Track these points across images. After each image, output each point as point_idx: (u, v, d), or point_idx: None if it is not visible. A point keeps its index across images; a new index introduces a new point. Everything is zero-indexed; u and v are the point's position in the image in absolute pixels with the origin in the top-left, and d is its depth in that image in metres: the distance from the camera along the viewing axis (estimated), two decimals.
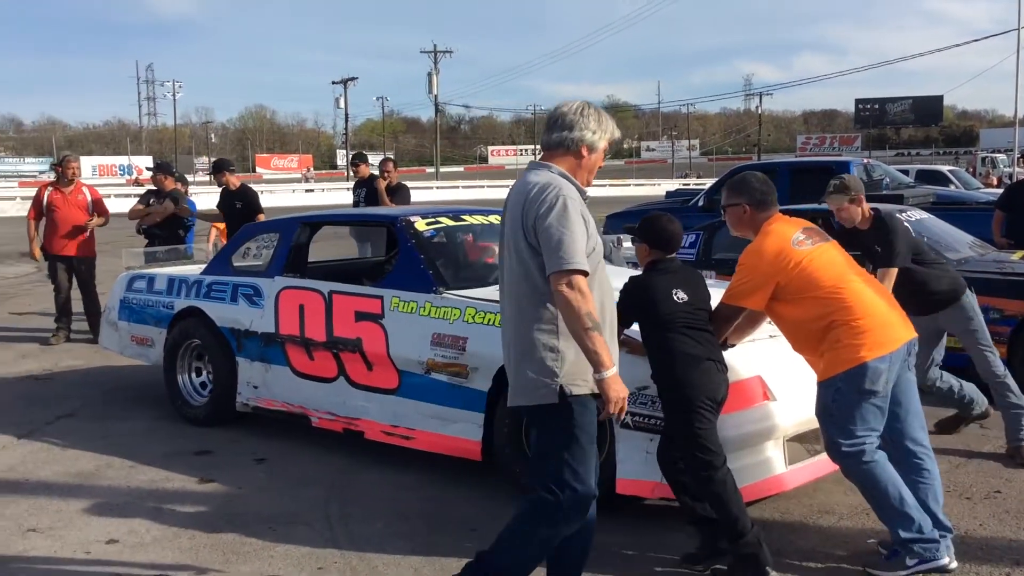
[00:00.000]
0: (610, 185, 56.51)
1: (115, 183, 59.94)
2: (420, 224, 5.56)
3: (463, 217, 6.01)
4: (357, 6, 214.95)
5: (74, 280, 9.19)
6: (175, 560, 4.01)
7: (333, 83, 64.80)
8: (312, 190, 44.22)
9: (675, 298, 3.69)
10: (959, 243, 7.22)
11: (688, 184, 44.19)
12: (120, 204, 23.58)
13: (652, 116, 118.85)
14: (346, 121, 66.67)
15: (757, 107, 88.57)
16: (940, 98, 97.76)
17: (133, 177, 61.97)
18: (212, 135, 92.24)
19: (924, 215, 7.56)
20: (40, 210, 9.20)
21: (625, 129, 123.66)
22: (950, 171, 21.55)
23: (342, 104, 64.39)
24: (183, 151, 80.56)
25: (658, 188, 46.84)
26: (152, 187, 9.63)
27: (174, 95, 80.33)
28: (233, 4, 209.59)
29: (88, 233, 9.13)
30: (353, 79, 63.60)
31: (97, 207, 9.32)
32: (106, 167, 76.42)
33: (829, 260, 3.78)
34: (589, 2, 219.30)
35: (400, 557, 4.03)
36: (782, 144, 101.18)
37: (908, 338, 3.73)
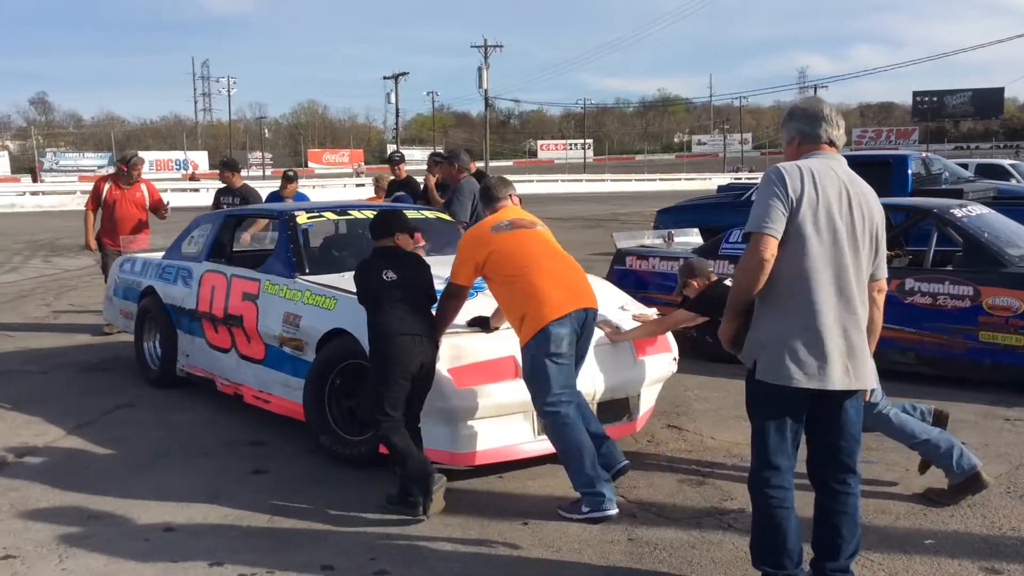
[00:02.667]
0: (660, 180, 56.20)
1: (171, 177, 61.15)
2: (301, 217, 6.27)
3: (349, 212, 6.72)
4: (409, 1, 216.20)
5: None
6: (231, 548, 4.08)
7: (384, 78, 65.28)
8: (363, 184, 44.54)
9: (384, 277, 4.32)
10: (1021, 239, 7.05)
11: (740, 178, 43.72)
12: (176, 199, 24.08)
13: (703, 109, 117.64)
14: (396, 116, 67.11)
15: None
16: (1001, 90, 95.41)
17: (189, 172, 63.10)
18: (266, 130, 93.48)
19: (985, 210, 7.39)
20: (98, 203, 9.40)
21: (676, 123, 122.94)
22: (1011, 165, 20.97)
23: (393, 99, 64.83)
24: (237, 146, 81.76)
25: (709, 182, 46.43)
26: (222, 184, 9.83)
27: (228, 91, 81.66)
28: (285, 2, 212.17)
29: (142, 231, 9.29)
30: (404, 74, 63.99)
31: (155, 205, 9.52)
32: (162, 162, 77.87)
33: (522, 243, 4.44)
34: None
35: (451, 549, 4.06)
36: None
37: (585, 306, 4.36)
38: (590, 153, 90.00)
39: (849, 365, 3.23)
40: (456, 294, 4.48)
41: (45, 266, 14.20)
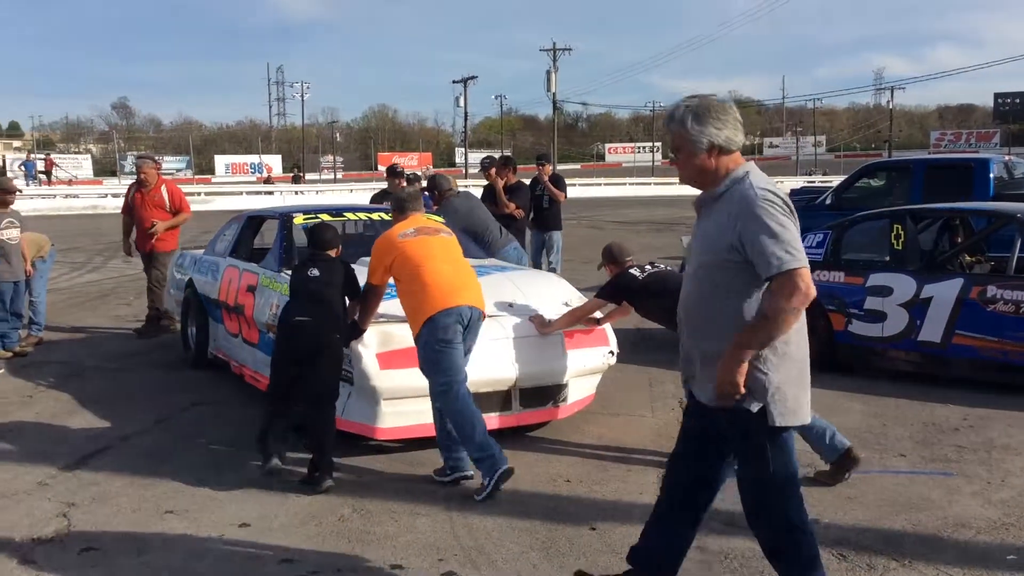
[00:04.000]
0: None
1: (247, 180, 62.43)
2: (298, 218, 7.01)
3: (344, 214, 7.58)
4: (478, 6, 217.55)
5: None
6: (302, 546, 4.14)
7: (453, 82, 65.78)
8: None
9: (308, 274, 5.06)
10: None
11: (814, 181, 42.87)
12: (251, 201, 24.50)
13: (776, 111, 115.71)
14: (465, 121, 67.62)
15: (888, 102, 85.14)
16: None
17: (264, 175, 64.32)
18: (337, 134, 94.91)
19: None
20: (127, 209, 9.70)
21: (747, 125, 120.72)
22: None
23: (462, 103, 65.23)
24: (309, 150, 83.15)
25: (781, 186, 45.39)
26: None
27: (302, 96, 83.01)
28: (358, 8, 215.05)
29: (154, 233, 9.32)
30: (473, 78, 64.38)
31: (174, 204, 9.56)
32: (238, 165, 79.42)
33: (422, 247, 4.96)
34: None
35: (518, 552, 4.06)
36: (915, 140, 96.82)
37: (470, 304, 4.86)
38: (659, 156, 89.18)
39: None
40: (373, 292, 5.12)
41: (125, 267, 14.58)
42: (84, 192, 41.05)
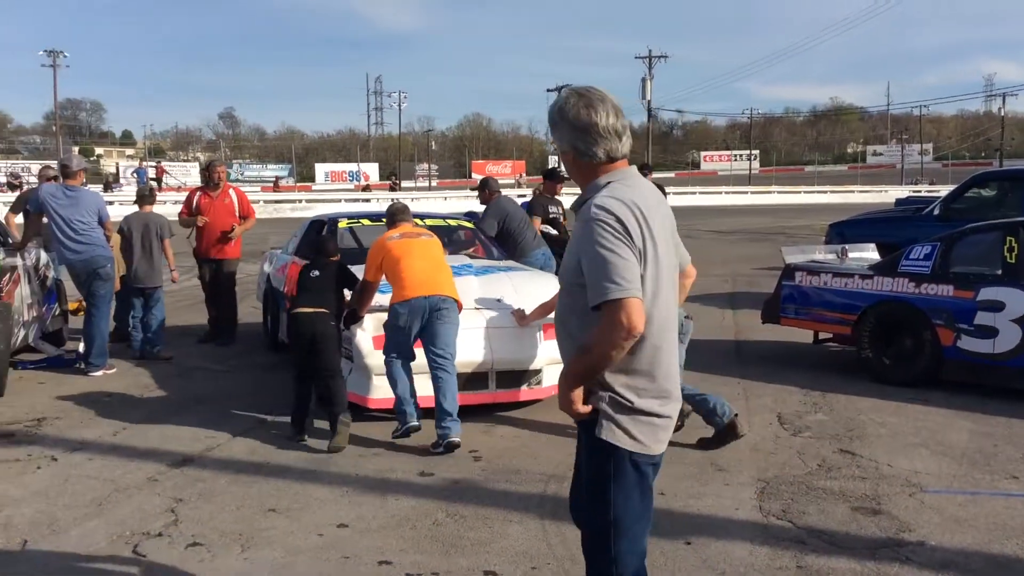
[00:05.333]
0: (831, 192, 54.02)
1: (345, 188, 63.79)
2: (342, 223, 8.59)
3: (382, 219, 7.87)
4: (573, 14, 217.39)
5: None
6: (398, 548, 4.21)
7: (548, 91, 65.89)
8: (524, 195, 45.19)
9: (310, 274, 6.20)
10: None
11: (920, 191, 41.50)
12: (351, 208, 24.97)
13: (879, 119, 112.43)
14: None
15: (999, 108, 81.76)
16: None
17: (362, 183, 65.66)
18: (432, 142, 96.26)
19: None
20: (191, 212, 9.56)
21: (849, 133, 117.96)
22: None
23: None
24: (405, 158, 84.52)
25: (886, 195, 44.23)
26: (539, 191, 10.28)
27: (399, 105, 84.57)
28: (454, 18, 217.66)
29: (231, 238, 9.42)
30: (566, 86, 64.22)
31: (243, 210, 9.63)
32: (337, 173, 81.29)
33: (404, 248, 5.98)
34: (812, 1, 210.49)
35: None
36: None
37: (428, 294, 5.80)
38: (756, 164, 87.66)
39: None
40: (368, 286, 6.14)
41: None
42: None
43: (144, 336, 8.76)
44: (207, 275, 9.61)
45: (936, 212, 11.04)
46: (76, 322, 9.76)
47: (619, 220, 2.49)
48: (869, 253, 9.05)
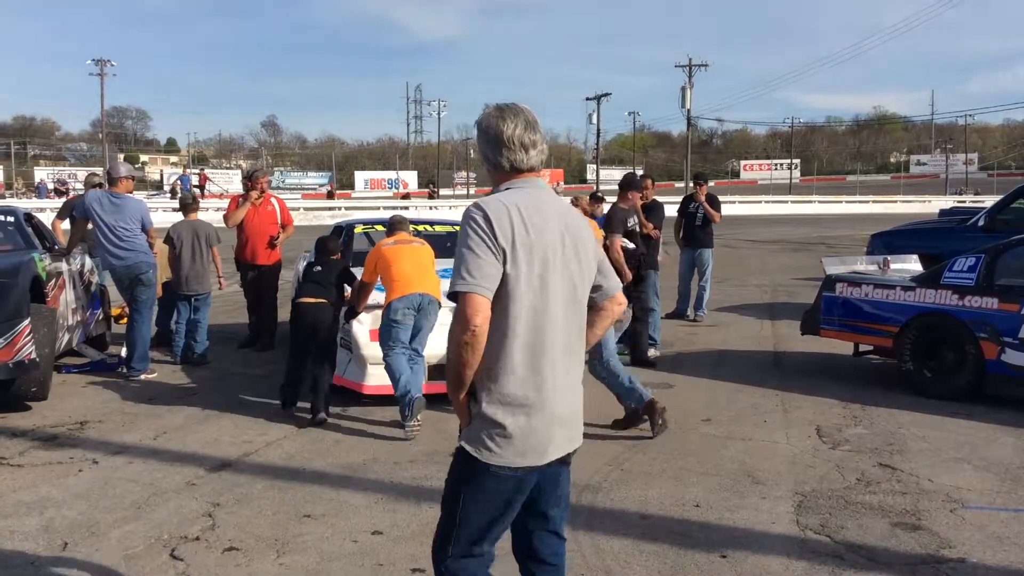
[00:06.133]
0: (873, 202, 53.40)
1: (384, 196, 64.28)
2: (359, 228, 9.54)
3: (434, 227, 9.37)
4: (611, 22, 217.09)
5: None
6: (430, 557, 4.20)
7: (587, 99, 65.87)
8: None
9: (312, 269, 6.97)
10: None
11: (964, 202, 40.87)
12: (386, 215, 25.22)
13: (923, 128, 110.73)
14: (597, 138, 67.61)
15: None
16: None
17: (401, 191, 66.12)
18: (471, 151, 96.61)
19: None
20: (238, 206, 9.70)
21: (892, 142, 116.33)
22: None
23: (594, 120, 65.26)
24: (444, 166, 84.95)
25: (929, 205, 43.59)
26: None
27: (438, 114, 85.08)
28: (492, 26, 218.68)
29: (276, 245, 9.60)
30: (606, 95, 64.33)
31: (284, 218, 9.79)
32: (376, 181, 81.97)
33: (396, 252, 6.64)
34: (854, 9, 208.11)
35: (646, 575, 4.01)
36: None
37: (414, 291, 6.44)
38: (796, 173, 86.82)
39: None
40: (365, 286, 6.82)
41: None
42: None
43: (187, 341, 8.89)
44: (249, 281, 9.75)
45: (981, 223, 10.84)
46: (119, 327, 9.93)
47: (486, 218, 2.56)
48: (911, 264, 8.92)
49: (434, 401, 6.44)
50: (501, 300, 2.57)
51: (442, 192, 64.94)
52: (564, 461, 2.80)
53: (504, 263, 2.55)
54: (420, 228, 9.26)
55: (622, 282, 8.42)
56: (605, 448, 5.95)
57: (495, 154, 2.71)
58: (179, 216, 9.69)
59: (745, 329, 11.12)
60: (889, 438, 6.18)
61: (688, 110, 60.41)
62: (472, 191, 74.27)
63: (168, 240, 9.03)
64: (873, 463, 5.62)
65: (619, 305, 2.87)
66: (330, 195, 58.11)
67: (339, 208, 41.00)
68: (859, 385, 7.79)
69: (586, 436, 6.10)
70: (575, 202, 11.07)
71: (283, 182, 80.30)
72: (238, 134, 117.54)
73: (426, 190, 63.78)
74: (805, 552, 4.25)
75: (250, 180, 10.06)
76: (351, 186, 79.82)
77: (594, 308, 2.82)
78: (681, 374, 8.30)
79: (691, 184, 11.29)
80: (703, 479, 5.30)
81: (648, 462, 5.63)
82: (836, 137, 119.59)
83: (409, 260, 6.64)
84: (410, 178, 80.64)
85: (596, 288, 2.82)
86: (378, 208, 40.59)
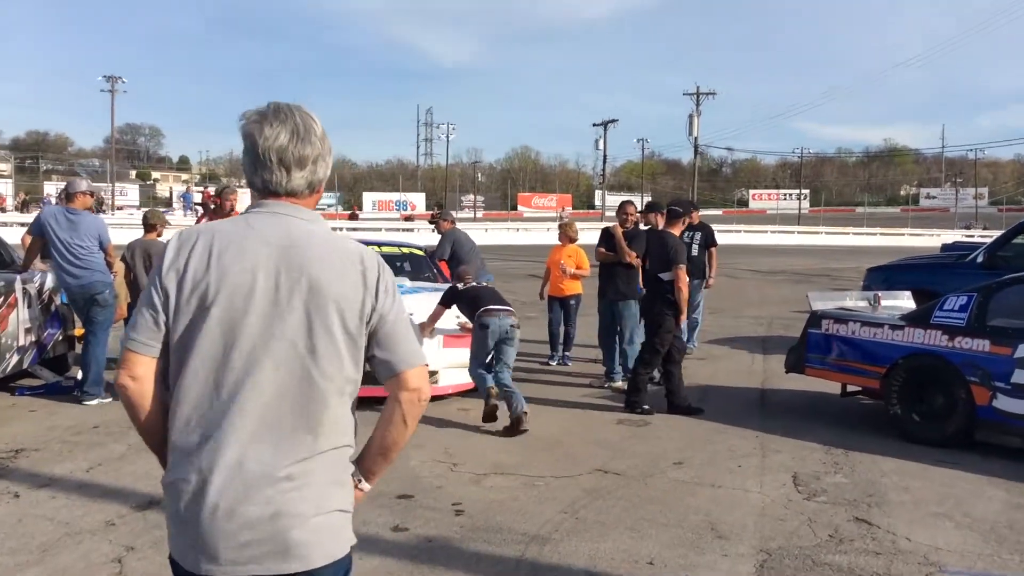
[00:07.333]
0: (880, 234, 52.95)
1: (391, 217, 64.18)
2: None
3: (382, 247, 10.70)
4: (622, 50, 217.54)
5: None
6: None
7: (593, 125, 65.79)
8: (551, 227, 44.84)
9: None
10: None
11: (972, 236, 40.43)
12: (398, 237, 24.98)
13: (934, 161, 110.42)
14: (603, 163, 67.45)
15: None
16: None
17: (407, 213, 66.02)
18: (479, 174, 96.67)
19: None
20: None
21: (903, 175, 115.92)
22: None
23: (601, 146, 65.13)
24: (451, 189, 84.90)
25: (937, 239, 43.05)
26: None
27: (447, 137, 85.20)
28: (505, 52, 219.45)
29: None
30: (613, 121, 64.26)
31: None
32: (384, 202, 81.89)
33: None
34: (863, 43, 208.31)
35: None
36: None
37: None
38: (805, 204, 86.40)
39: None
40: None
41: None
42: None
43: None
44: None
45: (980, 259, 10.45)
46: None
47: (166, 253, 2.04)
48: (904, 301, 8.55)
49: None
50: (174, 353, 2.02)
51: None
52: None
53: (167, 309, 2.00)
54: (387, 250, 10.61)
55: (676, 324, 8.20)
56: (565, 492, 5.57)
57: (250, 170, 2.09)
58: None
59: (735, 363, 10.73)
60: (869, 488, 5.78)
61: (695, 138, 60.26)
62: (480, 214, 74.08)
63: (123, 260, 8.73)
64: (848, 517, 5.22)
65: (408, 391, 2.07)
66: (353, 216, 58.53)
67: (341, 229, 40.81)
68: (844, 428, 7.39)
69: (549, 477, 5.77)
70: (563, 228, 10.77)
71: None
72: None
73: (429, 213, 63.76)
74: None
75: (219, 198, 9.76)
76: (359, 207, 79.79)
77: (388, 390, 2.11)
78: (661, 411, 7.90)
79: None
80: (662, 531, 4.91)
81: (606, 510, 5.24)
82: (846, 168, 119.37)
83: None
84: (418, 200, 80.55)
85: (370, 359, 2.10)
86: (380, 229, 40.41)
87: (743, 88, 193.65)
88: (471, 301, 7.66)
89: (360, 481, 2.17)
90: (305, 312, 1.99)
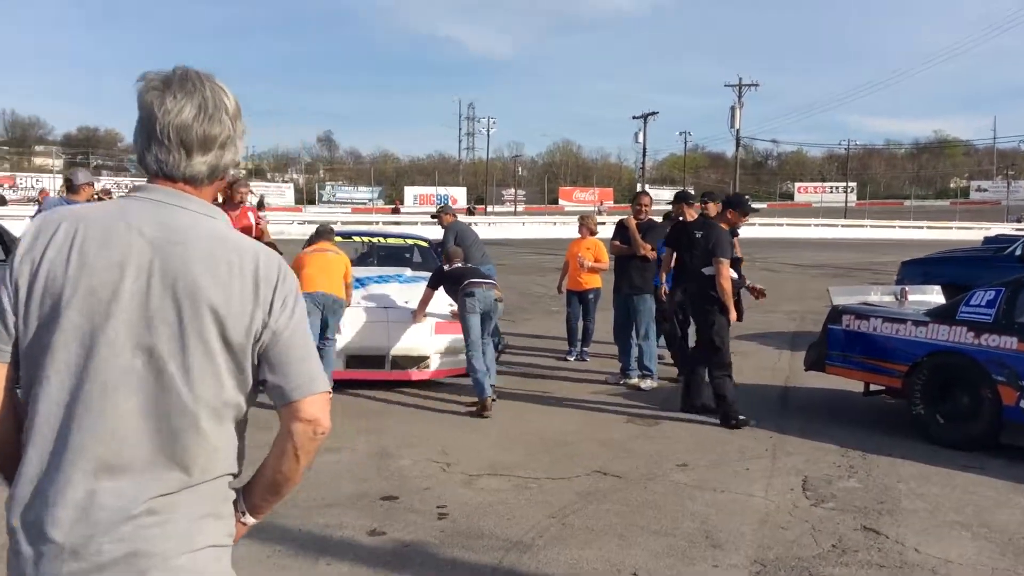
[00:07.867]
0: (927, 227, 51.68)
1: (430, 210, 64.36)
2: (356, 238, 11.80)
3: (388, 239, 11.81)
4: (664, 42, 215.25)
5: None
6: None
7: (633, 118, 65.04)
8: (603, 223, 44.54)
9: None
10: None
11: (1023, 228, 39.30)
12: (427, 231, 24.88)
13: (985, 153, 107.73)
14: (643, 157, 66.51)
15: None
16: None
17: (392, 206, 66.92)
18: (520, 168, 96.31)
19: None
20: None
21: (953, 167, 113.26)
22: None
23: (640, 139, 64.42)
24: (493, 183, 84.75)
25: (987, 232, 41.91)
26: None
27: (488, 131, 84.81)
28: (546, 45, 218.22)
29: None
30: (653, 114, 63.33)
31: (258, 232, 9.22)
32: (425, 196, 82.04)
33: (309, 259, 7.89)
34: (913, 31, 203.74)
35: None
36: None
37: (315, 291, 7.52)
38: (852, 196, 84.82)
39: None
40: None
41: None
42: (276, 218, 43.41)
43: None
44: None
45: (1018, 252, 9.98)
46: None
47: (21, 239, 1.71)
48: (933, 296, 8.15)
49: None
50: (24, 363, 1.70)
51: (490, 209, 64.63)
52: None
53: (17, 309, 1.68)
54: (375, 241, 11.59)
55: (727, 320, 7.43)
56: (557, 495, 5.32)
57: (143, 146, 1.76)
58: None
59: (761, 360, 10.37)
60: (882, 494, 5.45)
61: (737, 130, 59.26)
62: (520, 208, 73.86)
63: None
64: (856, 525, 4.90)
65: (301, 423, 1.75)
66: (395, 210, 59.45)
67: (377, 223, 40.85)
68: (865, 429, 7.04)
69: (545, 479, 5.52)
70: (583, 220, 10.49)
71: (334, 196, 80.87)
72: (293, 149, 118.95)
73: (469, 206, 63.89)
74: None
75: (230, 189, 9.58)
76: (401, 201, 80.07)
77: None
78: (673, 409, 7.61)
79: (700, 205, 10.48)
80: (652, 539, 4.64)
81: (597, 515, 4.98)
82: (894, 161, 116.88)
83: (319, 265, 7.76)
84: (459, 194, 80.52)
85: (262, 383, 1.77)
86: (416, 223, 40.33)
87: (787, 80, 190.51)
88: (456, 279, 7.81)
89: (244, 514, 1.86)
90: (179, 322, 1.67)
